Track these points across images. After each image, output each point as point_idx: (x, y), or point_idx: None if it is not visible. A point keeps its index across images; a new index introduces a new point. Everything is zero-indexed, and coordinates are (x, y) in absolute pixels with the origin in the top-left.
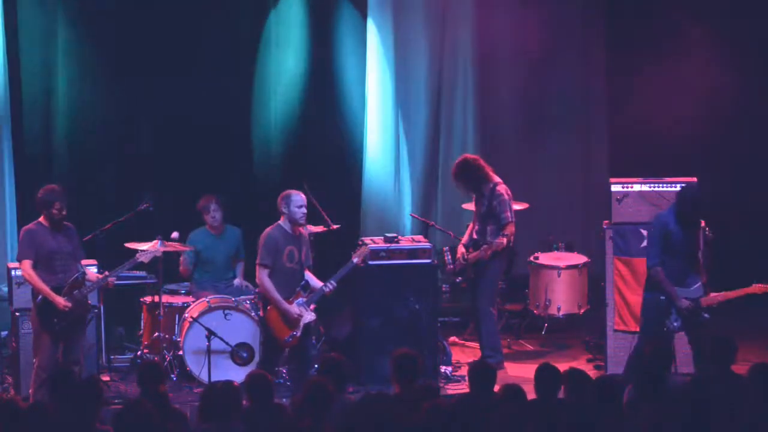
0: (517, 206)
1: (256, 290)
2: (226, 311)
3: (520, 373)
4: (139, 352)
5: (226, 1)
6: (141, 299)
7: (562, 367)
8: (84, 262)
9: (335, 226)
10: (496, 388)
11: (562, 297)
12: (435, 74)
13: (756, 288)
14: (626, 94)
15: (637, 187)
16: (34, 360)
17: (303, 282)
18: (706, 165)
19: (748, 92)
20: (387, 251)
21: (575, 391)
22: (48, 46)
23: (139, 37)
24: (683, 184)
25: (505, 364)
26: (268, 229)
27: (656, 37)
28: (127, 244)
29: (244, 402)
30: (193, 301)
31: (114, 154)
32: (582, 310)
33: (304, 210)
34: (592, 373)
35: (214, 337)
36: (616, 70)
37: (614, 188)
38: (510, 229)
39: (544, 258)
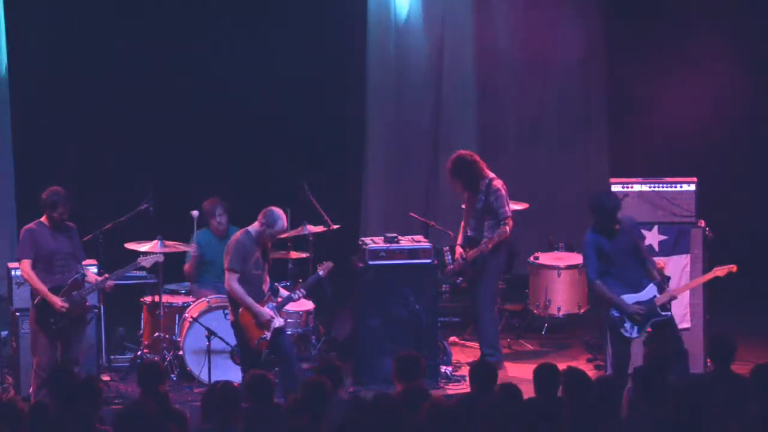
0: (517, 206)
1: (224, 295)
2: (226, 311)
3: (520, 373)
4: (139, 352)
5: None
6: (141, 299)
7: (562, 367)
8: (84, 262)
9: (335, 226)
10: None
11: (562, 297)
12: (435, 74)
13: (717, 271)
14: (627, 95)
15: (637, 188)
16: (34, 360)
17: (273, 287)
18: (707, 165)
19: (748, 93)
20: (387, 251)
21: (573, 391)
22: (50, 44)
23: (140, 37)
24: (682, 185)
25: (505, 364)
26: (236, 235)
27: (657, 38)
28: (127, 245)
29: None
30: (193, 301)
31: (114, 153)
32: (582, 310)
33: (281, 236)
34: (592, 373)
35: (214, 336)
36: (616, 70)
37: (614, 188)
38: (509, 223)
39: (544, 258)
